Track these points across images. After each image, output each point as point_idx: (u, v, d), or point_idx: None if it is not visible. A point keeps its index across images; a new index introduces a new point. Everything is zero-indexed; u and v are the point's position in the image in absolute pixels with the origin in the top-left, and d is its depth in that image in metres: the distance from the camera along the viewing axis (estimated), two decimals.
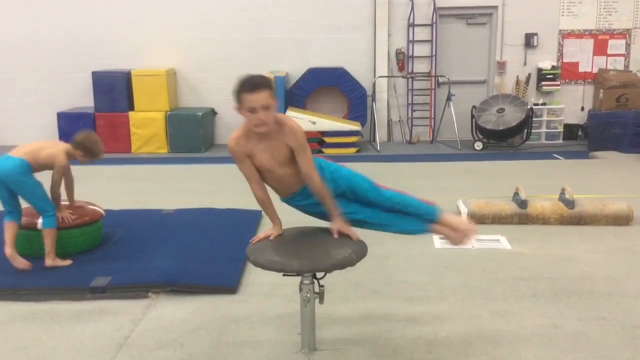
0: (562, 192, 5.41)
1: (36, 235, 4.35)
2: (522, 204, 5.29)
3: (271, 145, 2.82)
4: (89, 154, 4.27)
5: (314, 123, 9.12)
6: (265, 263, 2.78)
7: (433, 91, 10.24)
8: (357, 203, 3.02)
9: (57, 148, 4.31)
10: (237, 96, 2.74)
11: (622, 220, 5.23)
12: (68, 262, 4.29)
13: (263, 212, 5.14)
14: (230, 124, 10.28)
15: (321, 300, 2.96)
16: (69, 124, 9.48)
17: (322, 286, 2.94)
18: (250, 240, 3.02)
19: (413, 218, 3.09)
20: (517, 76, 10.21)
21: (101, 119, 9.61)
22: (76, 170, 4.71)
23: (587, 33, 10.18)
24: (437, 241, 4.86)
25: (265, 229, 3.55)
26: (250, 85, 2.70)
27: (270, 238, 2.97)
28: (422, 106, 10.33)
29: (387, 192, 3.04)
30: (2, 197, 4.22)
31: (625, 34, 10.17)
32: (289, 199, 3.01)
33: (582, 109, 10.26)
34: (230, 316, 3.56)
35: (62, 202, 4.56)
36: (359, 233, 3.02)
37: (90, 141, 4.27)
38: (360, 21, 10.06)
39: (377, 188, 3.02)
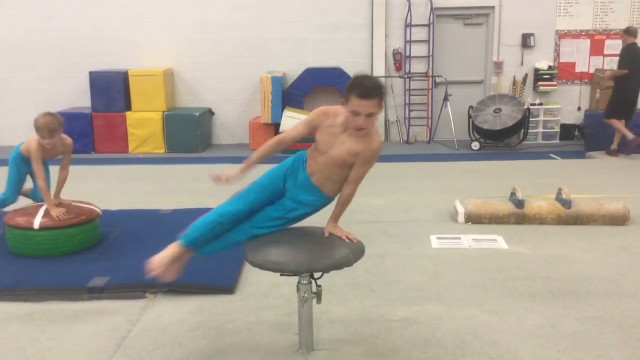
0: (559, 192, 5.43)
1: (34, 235, 4.35)
2: (519, 203, 5.30)
3: (344, 140, 2.78)
4: (37, 132, 4.42)
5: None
6: (263, 263, 2.78)
7: (430, 91, 10.26)
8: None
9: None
10: (347, 94, 2.66)
11: (618, 220, 5.25)
12: None
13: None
14: (228, 123, 10.29)
15: (319, 300, 2.96)
16: (67, 124, 9.22)
17: (320, 286, 2.94)
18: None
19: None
20: (514, 76, 10.24)
21: (98, 119, 9.60)
22: (76, 170, 4.72)
23: (583, 33, 10.21)
24: (435, 241, 4.87)
25: None
26: (364, 89, 2.63)
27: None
28: (419, 106, 10.35)
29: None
30: None
31: (621, 34, 10.19)
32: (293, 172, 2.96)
33: (579, 109, 10.30)
34: (227, 316, 3.56)
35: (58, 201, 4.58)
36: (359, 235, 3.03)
37: (35, 119, 4.42)
38: (358, 21, 10.06)
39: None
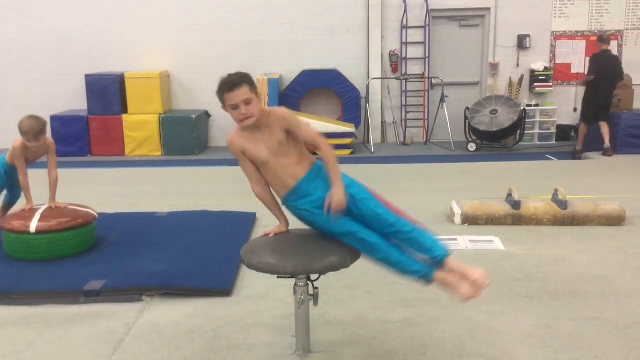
0: (555, 193, 5.43)
1: (31, 239, 4.34)
2: (516, 204, 5.31)
3: (263, 136, 2.84)
4: (20, 133, 4.47)
5: (308, 125, 9.13)
6: (260, 265, 2.78)
7: (426, 93, 10.28)
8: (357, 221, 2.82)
9: None
10: (219, 97, 2.81)
11: (614, 220, 5.26)
12: None
13: (258, 215, 5.16)
14: (224, 126, 10.28)
15: (315, 302, 2.96)
16: (63, 127, 9.47)
17: (317, 288, 2.94)
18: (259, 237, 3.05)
19: (413, 254, 2.82)
20: (510, 77, 10.26)
21: (95, 122, 9.59)
22: (73, 173, 4.71)
23: (579, 34, 10.24)
24: None
25: (260, 230, 3.55)
26: (228, 84, 2.77)
27: (270, 235, 2.98)
28: (415, 108, 10.37)
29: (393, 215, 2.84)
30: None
31: (617, 35, 10.24)
32: (287, 199, 2.92)
33: (575, 110, 10.32)
34: (224, 319, 3.55)
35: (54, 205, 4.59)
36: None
37: (20, 121, 4.47)
38: (354, 23, 10.08)
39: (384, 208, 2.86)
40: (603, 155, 8.77)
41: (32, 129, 4.40)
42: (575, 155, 8.95)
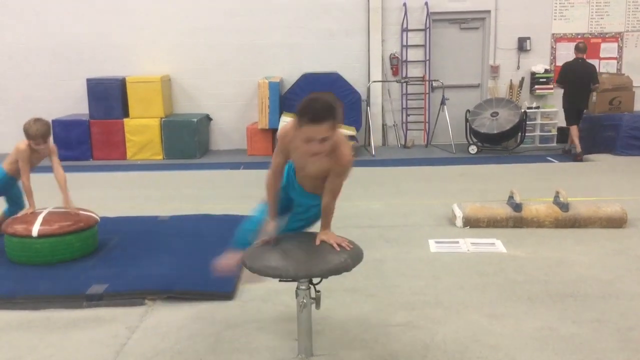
0: (557, 195, 5.44)
1: (32, 243, 4.35)
2: (517, 207, 5.31)
3: (313, 160, 2.79)
4: (27, 136, 4.51)
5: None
6: (261, 269, 2.78)
7: (427, 95, 10.29)
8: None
9: None
10: (298, 120, 2.60)
11: (616, 222, 5.26)
12: None
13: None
14: (225, 129, 10.31)
15: (317, 306, 2.97)
16: (64, 132, 9.48)
17: (319, 291, 2.94)
18: (254, 243, 3.05)
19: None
20: (511, 80, 10.27)
21: (96, 126, 9.61)
22: (74, 177, 4.73)
23: (579, 36, 10.25)
24: (433, 245, 4.88)
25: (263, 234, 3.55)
26: (312, 116, 2.54)
27: (272, 240, 2.99)
28: (416, 110, 10.37)
29: None
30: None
31: (617, 37, 10.25)
32: (289, 184, 3.07)
33: None
34: (226, 322, 3.56)
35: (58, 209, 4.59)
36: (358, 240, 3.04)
37: (26, 125, 4.51)
38: (354, 26, 10.09)
39: None
40: (574, 160, 8.91)
41: (39, 131, 4.46)
42: (576, 158, 8.99)
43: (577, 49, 9.17)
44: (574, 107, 9.19)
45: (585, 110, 9.53)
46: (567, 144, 9.55)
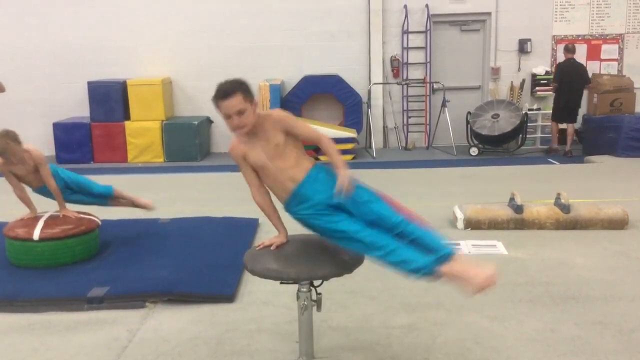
0: (558, 197, 5.43)
1: (35, 246, 4.35)
2: (518, 209, 5.31)
3: (260, 141, 2.84)
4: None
5: (305, 123, 9.18)
6: (263, 271, 2.78)
7: (428, 97, 10.29)
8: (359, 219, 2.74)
9: None
10: (214, 104, 2.79)
11: (617, 224, 5.25)
12: None
13: (260, 220, 5.17)
14: (226, 132, 10.26)
15: (319, 308, 2.96)
16: (65, 134, 9.50)
17: (320, 294, 2.94)
18: (255, 245, 3.00)
19: (419, 250, 2.65)
20: (512, 82, 10.27)
21: (97, 129, 9.62)
22: None
23: (580, 38, 10.25)
24: None
25: (264, 237, 3.55)
26: (220, 92, 2.74)
27: (272, 248, 2.89)
28: (417, 112, 10.38)
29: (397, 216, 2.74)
30: None
31: (618, 38, 10.25)
32: (288, 205, 2.89)
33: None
34: (227, 325, 3.55)
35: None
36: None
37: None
38: (355, 28, 10.11)
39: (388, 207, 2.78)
40: (564, 155, 9.43)
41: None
42: (549, 152, 9.69)
43: (567, 49, 9.46)
44: (566, 106, 9.43)
45: (585, 112, 9.59)
46: (553, 142, 9.90)
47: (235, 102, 2.71)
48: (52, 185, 4.54)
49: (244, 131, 2.79)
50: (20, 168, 4.49)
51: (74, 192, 4.84)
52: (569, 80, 9.31)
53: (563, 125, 10.32)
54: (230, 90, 2.72)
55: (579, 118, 10.19)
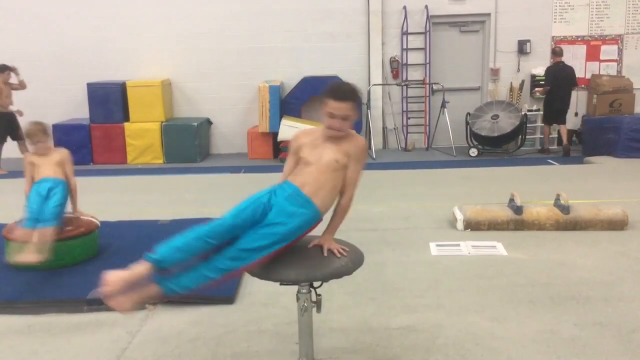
0: (557, 198, 5.43)
1: None
2: (518, 210, 5.31)
3: (327, 147, 2.82)
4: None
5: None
6: (262, 273, 2.78)
7: (427, 98, 10.30)
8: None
9: None
10: (324, 97, 2.83)
11: (617, 225, 5.25)
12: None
13: None
14: (226, 133, 10.31)
15: (318, 309, 2.96)
16: (65, 136, 9.49)
17: (320, 295, 2.93)
18: None
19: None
20: (511, 82, 10.28)
21: (97, 130, 9.62)
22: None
23: (579, 39, 10.26)
24: (434, 248, 4.87)
25: None
26: (338, 93, 2.79)
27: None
28: (416, 113, 10.38)
29: None
30: None
31: (617, 39, 10.26)
32: (285, 193, 2.78)
33: (576, 114, 10.33)
34: (227, 326, 3.55)
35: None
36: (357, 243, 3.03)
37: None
38: (354, 30, 10.11)
39: None
40: (563, 155, 9.57)
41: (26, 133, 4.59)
42: (543, 153, 9.86)
43: (555, 53, 9.66)
44: (556, 108, 9.58)
45: (584, 113, 9.62)
46: (545, 143, 9.98)
47: (347, 107, 2.77)
48: (73, 183, 4.73)
49: (335, 135, 2.83)
50: (44, 160, 4.62)
51: None
52: (558, 83, 9.45)
53: (568, 127, 10.38)
54: (348, 96, 2.79)
55: (579, 119, 10.22)
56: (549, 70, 9.67)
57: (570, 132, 10.30)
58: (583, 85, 10.24)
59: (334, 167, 2.81)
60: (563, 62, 9.56)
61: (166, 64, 10.15)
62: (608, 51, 10.27)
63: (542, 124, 9.96)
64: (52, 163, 4.65)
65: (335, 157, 2.80)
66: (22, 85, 9.14)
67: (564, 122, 9.71)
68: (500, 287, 4.06)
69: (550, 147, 9.88)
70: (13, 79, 9.03)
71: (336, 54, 10.13)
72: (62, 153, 4.76)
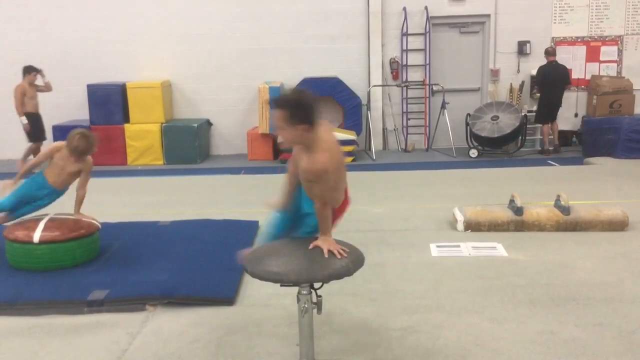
0: (558, 199, 5.43)
1: (34, 249, 4.35)
2: (518, 211, 5.31)
3: (302, 158, 2.87)
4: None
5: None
6: (263, 274, 2.78)
7: (427, 99, 10.29)
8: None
9: None
10: None
11: (617, 225, 5.25)
12: None
13: (260, 223, 5.18)
14: (226, 134, 10.31)
15: (319, 311, 2.96)
16: (65, 137, 9.43)
17: (320, 296, 2.94)
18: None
19: None
20: (511, 83, 10.28)
21: (97, 132, 9.48)
22: (75, 182, 4.76)
23: (579, 40, 10.26)
24: (434, 249, 4.87)
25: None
26: (272, 100, 2.82)
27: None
28: (416, 114, 10.38)
29: None
30: None
31: (617, 40, 10.26)
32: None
33: (576, 115, 10.33)
34: (228, 328, 3.55)
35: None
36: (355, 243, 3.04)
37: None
38: (354, 31, 10.11)
39: None
40: (553, 152, 9.76)
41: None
42: (542, 154, 9.83)
43: (548, 52, 9.67)
44: (549, 106, 9.66)
45: (584, 114, 9.62)
46: (545, 144, 9.96)
47: (275, 115, 2.78)
48: (82, 192, 4.72)
49: (284, 145, 2.95)
50: (70, 165, 4.67)
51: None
52: (550, 82, 9.53)
53: (568, 127, 10.42)
54: (274, 104, 2.81)
55: (579, 120, 10.22)
56: (540, 70, 9.75)
57: (570, 133, 10.31)
58: (583, 86, 10.25)
59: (304, 175, 2.91)
60: (556, 62, 9.61)
61: (166, 65, 10.15)
62: (608, 52, 10.27)
63: (540, 125, 9.98)
64: (71, 173, 4.72)
65: (299, 171, 2.93)
66: (47, 87, 9.11)
67: (553, 119, 9.79)
68: (500, 288, 4.06)
69: (549, 148, 9.89)
70: (39, 81, 9.02)
71: (336, 55, 10.14)
72: (88, 164, 4.75)
